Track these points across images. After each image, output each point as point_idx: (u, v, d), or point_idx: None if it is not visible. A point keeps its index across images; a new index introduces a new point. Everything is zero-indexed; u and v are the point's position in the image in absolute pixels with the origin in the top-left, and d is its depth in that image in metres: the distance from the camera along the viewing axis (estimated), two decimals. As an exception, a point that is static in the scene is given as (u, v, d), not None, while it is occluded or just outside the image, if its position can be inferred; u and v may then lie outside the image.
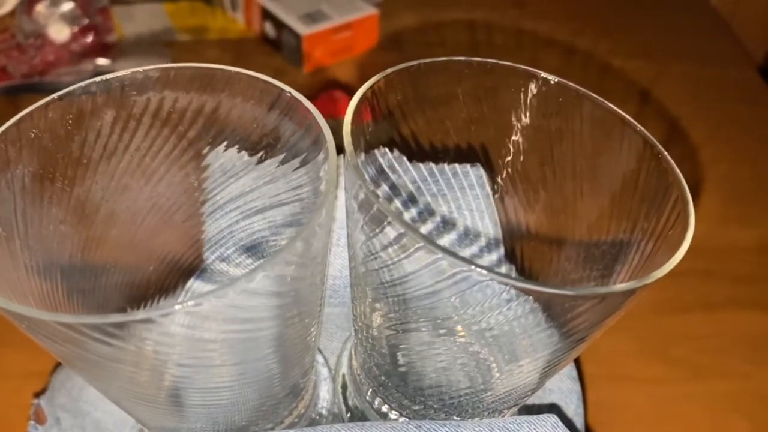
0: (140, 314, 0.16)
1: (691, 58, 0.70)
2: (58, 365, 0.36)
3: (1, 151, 0.21)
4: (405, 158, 0.27)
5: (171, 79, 0.23)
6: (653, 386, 0.43)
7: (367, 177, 0.23)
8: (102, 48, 0.62)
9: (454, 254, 0.19)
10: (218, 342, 0.20)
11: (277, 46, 0.64)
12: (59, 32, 0.61)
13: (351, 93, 0.22)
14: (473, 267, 0.18)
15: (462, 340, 0.26)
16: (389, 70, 0.23)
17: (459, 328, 0.26)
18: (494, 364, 0.26)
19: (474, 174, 0.28)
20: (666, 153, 0.22)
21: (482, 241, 0.29)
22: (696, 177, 0.57)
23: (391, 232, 0.20)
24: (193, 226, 0.27)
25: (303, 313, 0.22)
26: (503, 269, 0.29)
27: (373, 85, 0.22)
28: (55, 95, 0.22)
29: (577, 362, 0.38)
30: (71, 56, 0.61)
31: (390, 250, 0.21)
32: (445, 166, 0.29)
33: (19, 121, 0.21)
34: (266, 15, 0.63)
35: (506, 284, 0.19)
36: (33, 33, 0.61)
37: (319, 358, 0.31)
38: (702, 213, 0.54)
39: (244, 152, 0.25)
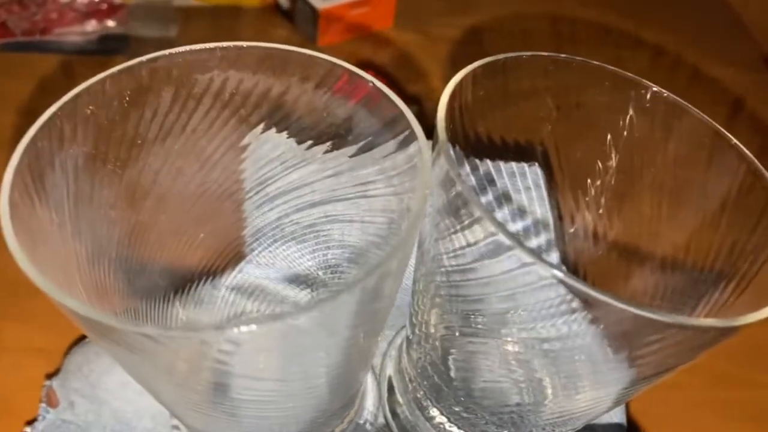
0: (224, 331, 0.15)
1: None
2: (72, 346, 0.35)
3: (56, 128, 0.19)
4: (471, 155, 0.26)
5: (238, 59, 0.21)
6: (671, 392, 0.42)
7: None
8: (109, 9, 0.59)
9: (544, 260, 0.17)
10: (290, 356, 0.18)
11: (291, 18, 0.62)
12: (64, -11, 0.58)
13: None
14: (564, 277, 0.17)
15: (516, 347, 0.25)
16: (476, 65, 0.21)
17: (515, 332, 0.24)
18: (548, 383, 0.25)
19: (532, 174, 0.27)
20: (764, 170, 0.21)
21: (537, 246, 0.28)
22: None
23: (475, 231, 0.19)
24: (243, 214, 0.25)
25: (376, 324, 0.20)
26: (563, 291, 0.28)
27: (461, 80, 0.21)
28: (114, 69, 0.20)
29: None
30: (75, 15, 0.58)
31: (468, 249, 0.20)
32: (511, 164, 0.27)
33: (76, 97, 0.20)
34: (281, -16, 0.61)
35: (583, 295, 0.18)
36: (36, -12, 0.58)
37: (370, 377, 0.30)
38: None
39: (308, 141, 0.23)
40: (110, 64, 0.20)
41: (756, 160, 0.21)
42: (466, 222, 0.19)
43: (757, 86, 0.64)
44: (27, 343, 0.37)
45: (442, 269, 0.22)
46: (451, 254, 0.21)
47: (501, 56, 0.22)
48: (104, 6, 0.59)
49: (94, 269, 0.20)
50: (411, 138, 0.19)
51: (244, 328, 0.15)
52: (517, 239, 0.17)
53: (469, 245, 0.20)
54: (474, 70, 0.21)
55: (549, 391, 0.25)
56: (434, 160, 0.19)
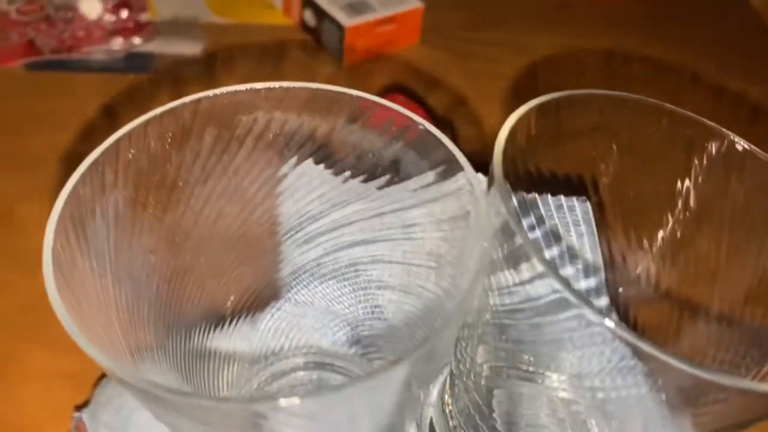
0: (275, 402, 0.14)
1: None
2: (102, 376, 0.34)
3: (98, 174, 0.18)
4: (520, 189, 0.25)
5: (284, 99, 0.21)
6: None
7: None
8: (135, 27, 0.59)
9: (596, 309, 0.17)
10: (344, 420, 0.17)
11: (317, 36, 0.61)
12: (91, 8, 0.58)
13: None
14: (612, 325, 0.16)
15: (565, 395, 0.24)
16: (530, 105, 0.20)
17: (566, 381, 0.24)
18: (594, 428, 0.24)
19: (580, 208, 0.26)
20: None
21: (586, 286, 0.27)
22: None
23: (526, 271, 0.18)
24: (283, 253, 0.24)
25: (426, 382, 0.20)
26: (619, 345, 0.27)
27: (516, 122, 0.20)
28: (157, 111, 0.20)
29: None
30: (102, 33, 0.58)
31: (519, 289, 0.19)
32: (561, 197, 0.26)
33: (117, 142, 0.19)
34: (307, 2, 0.61)
35: (642, 353, 0.17)
36: (64, 6, 0.58)
37: None
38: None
39: (352, 180, 0.22)
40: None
41: None
42: (526, 276, 0.18)
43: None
44: (55, 369, 0.36)
45: (493, 307, 0.21)
46: (504, 291, 0.20)
47: (555, 95, 0.21)
48: (130, 24, 0.58)
49: (134, 315, 0.20)
50: (462, 184, 0.18)
51: (294, 400, 0.14)
52: (583, 297, 0.16)
53: (520, 284, 0.19)
54: (528, 112, 0.20)
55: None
56: (491, 201, 0.18)
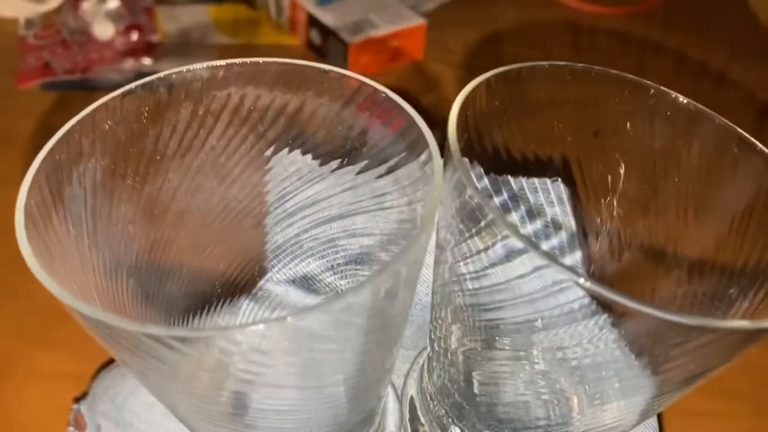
0: (234, 329, 0.14)
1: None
2: (99, 370, 0.35)
3: (74, 142, 0.19)
4: (491, 171, 0.25)
5: (255, 75, 0.22)
6: (710, 420, 0.41)
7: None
8: (146, 47, 0.61)
9: (560, 263, 0.17)
10: (300, 361, 0.18)
11: (322, 54, 0.63)
12: (104, 30, 0.60)
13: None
14: (580, 279, 0.17)
15: (542, 366, 0.24)
16: (489, 74, 0.21)
17: (540, 351, 0.24)
18: (575, 399, 0.24)
19: (563, 190, 0.27)
20: None
21: (571, 261, 0.28)
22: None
23: (489, 236, 0.19)
24: (263, 230, 0.25)
25: (389, 335, 0.20)
26: (587, 301, 0.27)
27: (475, 88, 0.21)
28: (132, 85, 0.21)
29: None
30: (114, 54, 0.60)
31: (483, 255, 0.20)
32: (534, 180, 0.27)
33: (94, 111, 0.20)
34: (312, 22, 0.62)
35: (599, 296, 0.17)
36: (78, 30, 0.60)
37: (392, 394, 0.29)
38: None
39: (325, 156, 0.23)
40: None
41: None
42: (480, 225, 0.18)
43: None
44: (58, 370, 0.37)
45: (459, 278, 0.22)
46: (468, 260, 0.21)
47: (516, 66, 0.22)
48: (141, 45, 0.60)
49: (112, 283, 0.21)
50: (423, 145, 0.19)
51: (252, 328, 0.14)
52: (529, 241, 0.17)
53: (482, 250, 0.20)
54: (488, 79, 0.21)
55: (575, 405, 0.24)
56: (446, 166, 0.19)
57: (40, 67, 0.58)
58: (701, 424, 0.41)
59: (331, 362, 0.19)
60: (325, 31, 0.61)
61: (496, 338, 0.23)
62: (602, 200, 0.25)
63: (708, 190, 0.23)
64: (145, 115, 0.21)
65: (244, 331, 0.14)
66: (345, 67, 0.60)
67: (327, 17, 0.61)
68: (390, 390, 0.29)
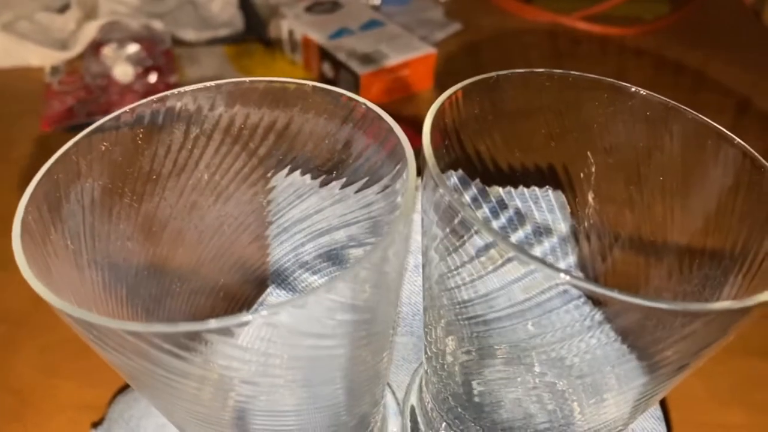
0: (214, 323, 0.15)
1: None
2: (115, 395, 0.36)
3: (72, 163, 0.21)
4: (478, 181, 0.26)
5: (243, 94, 0.23)
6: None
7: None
8: (164, 89, 0.63)
9: (547, 264, 0.17)
10: (289, 359, 0.18)
11: (335, 86, 0.64)
12: (124, 73, 0.62)
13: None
14: (566, 277, 0.17)
15: (539, 370, 0.24)
16: (466, 82, 0.22)
17: (536, 356, 0.24)
18: (575, 399, 0.25)
19: (553, 197, 0.27)
20: None
21: (565, 265, 0.28)
22: None
23: (473, 245, 0.19)
24: (260, 246, 0.26)
25: (375, 335, 0.20)
26: (582, 300, 0.28)
27: (450, 96, 0.21)
28: (126, 108, 0.22)
29: (663, 402, 0.36)
30: (134, 96, 0.62)
31: (470, 265, 0.20)
32: (523, 189, 0.27)
33: (90, 133, 0.21)
34: (324, 55, 0.64)
35: (604, 297, 0.18)
36: (99, 74, 0.63)
37: (387, 391, 0.30)
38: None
39: (314, 170, 0.24)
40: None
41: (760, 157, 0.21)
42: (462, 236, 0.19)
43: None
44: (79, 399, 0.38)
45: (448, 291, 0.22)
46: (455, 273, 0.21)
47: (493, 74, 0.22)
48: (160, 86, 0.63)
49: (111, 299, 0.21)
50: (401, 150, 0.20)
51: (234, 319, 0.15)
52: (535, 256, 0.17)
53: (467, 261, 0.20)
54: (465, 87, 0.22)
55: (576, 405, 0.24)
56: (425, 177, 0.20)
57: (64, 111, 0.60)
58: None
59: (319, 360, 0.19)
60: (337, 64, 0.63)
61: (491, 347, 0.24)
62: (590, 202, 0.26)
63: (690, 186, 0.23)
64: (140, 136, 0.22)
65: (227, 327, 0.15)
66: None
67: (338, 50, 0.63)
68: (392, 401, 0.29)
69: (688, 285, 0.23)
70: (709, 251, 0.22)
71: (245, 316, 0.15)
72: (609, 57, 0.71)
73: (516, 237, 0.27)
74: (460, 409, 0.26)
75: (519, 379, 0.25)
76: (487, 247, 0.19)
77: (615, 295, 0.17)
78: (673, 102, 0.22)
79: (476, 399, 0.25)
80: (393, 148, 0.20)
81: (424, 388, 0.28)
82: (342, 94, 0.22)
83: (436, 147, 0.21)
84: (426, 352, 0.26)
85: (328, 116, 0.22)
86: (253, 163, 0.24)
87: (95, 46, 0.64)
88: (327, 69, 0.64)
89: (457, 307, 0.22)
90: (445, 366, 0.25)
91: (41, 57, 0.65)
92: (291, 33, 0.67)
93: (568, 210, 0.27)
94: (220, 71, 0.66)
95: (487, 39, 0.73)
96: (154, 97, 0.22)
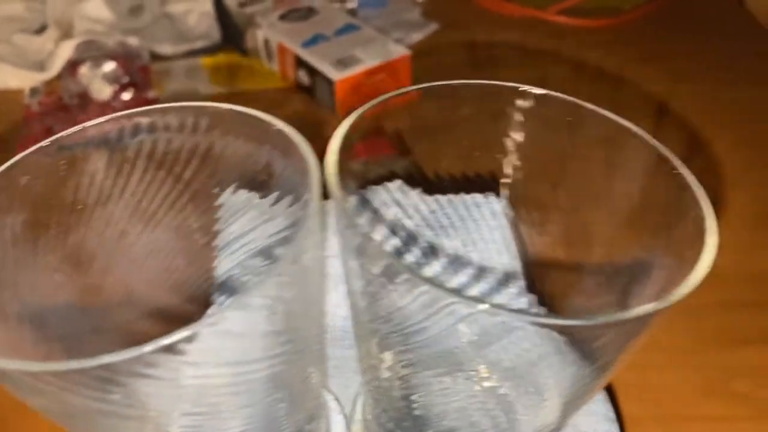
0: (130, 352, 0.15)
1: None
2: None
3: (-9, 201, 0.21)
4: (413, 191, 0.26)
5: (163, 120, 0.23)
6: (711, 426, 0.40)
7: (363, 219, 0.22)
8: (144, 104, 0.63)
9: (464, 295, 0.17)
10: (212, 380, 0.19)
11: (312, 93, 0.64)
12: (101, 91, 0.62)
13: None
14: (485, 306, 0.17)
15: (477, 376, 0.24)
16: (366, 106, 0.22)
17: (475, 365, 0.24)
18: (517, 401, 0.24)
19: (488, 205, 0.27)
20: (684, 167, 0.20)
21: (500, 274, 0.28)
22: (736, 198, 0.54)
23: (393, 278, 0.19)
24: (198, 269, 0.26)
25: (299, 351, 0.21)
26: (524, 300, 0.28)
27: (363, 112, 0.21)
28: (46, 141, 0.22)
29: (614, 402, 0.35)
30: (112, 113, 0.62)
31: (394, 295, 0.20)
32: (463, 196, 0.27)
33: (9, 168, 0.21)
34: (300, 63, 0.64)
35: (516, 319, 0.18)
36: (77, 93, 0.63)
37: (334, 405, 0.30)
38: (755, 239, 0.51)
39: (241, 191, 0.24)
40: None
41: (674, 157, 0.21)
42: (382, 270, 0.19)
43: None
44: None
45: (374, 318, 0.22)
46: (373, 304, 0.21)
47: (412, 87, 0.22)
48: (138, 102, 0.63)
49: (40, 332, 0.22)
50: (306, 167, 0.20)
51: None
52: (451, 289, 0.17)
53: (387, 294, 0.20)
54: (364, 113, 0.22)
55: (518, 407, 0.24)
56: (336, 205, 0.20)
57: (43, 132, 0.61)
58: (705, 428, 0.40)
59: (242, 383, 0.19)
60: (312, 71, 0.63)
61: (426, 364, 0.23)
62: (523, 210, 0.26)
63: (610, 188, 0.23)
64: (62, 167, 0.22)
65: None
66: (333, 104, 0.61)
67: (312, 57, 0.63)
68: (339, 417, 0.29)
69: (614, 286, 0.23)
70: (631, 253, 0.22)
71: (158, 341, 0.15)
72: (586, 50, 0.70)
73: (454, 248, 0.27)
74: (401, 421, 0.26)
75: (461, 388, 0.25)
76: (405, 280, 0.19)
77: (529, 318, 0.17)
78: (589, 104, 0.22)
79: (416, 412, 0.25)
80: (302, 166, 0.20)
81: (366, 403, 0.28)
82: (255, 116, 0.22)
83: (357, 163, 0.21)
84: (362, 366, 0.26)
85: (246, 138, 0.22)
86: (180, 188, 0.24)
87: (72, 66, 0.65)
88: (303, 76, 0.65)
89: (385, 335, 0.22)
90: (383, 379, 0.24)
91: (20, 79, 0.66)
92: (266, 42, 0.67)
93: (510, 215, 0.27)
94: (197, 83, 0.66)
95: (464, 38, 0.73)
96: (75, 128, 0.22)
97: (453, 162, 0.25)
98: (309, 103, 0.64)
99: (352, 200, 0.22)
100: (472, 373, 0.24)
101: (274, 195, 0.23)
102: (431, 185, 0.25)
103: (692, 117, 0.62)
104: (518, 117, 0.24)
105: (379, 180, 0.25)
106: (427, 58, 0.69)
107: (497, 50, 0.71)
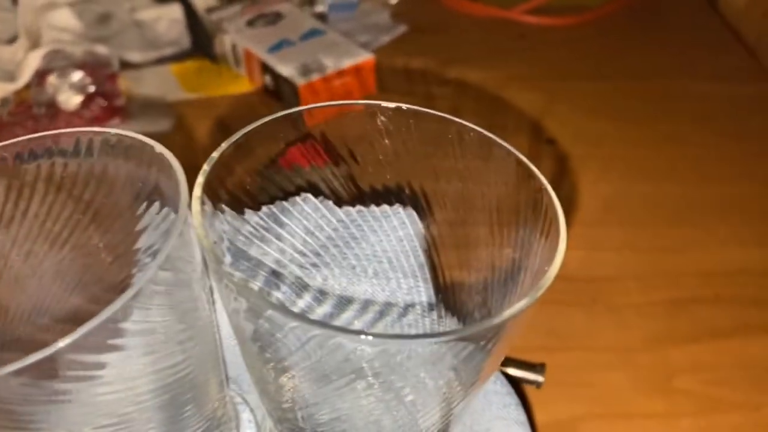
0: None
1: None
2: None
3: None
4: (323, 204, 0.27)
5: (58, 145, 0.24)
6: (653, 422, 0.40)
7: (227, 262, 0.23)
8: (111, 112, 0.64)
9: (349, 330, 0.18)
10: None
11: (278, 98, 0.65)
12: (69, 100, 0.63)
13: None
14: (366, 337, 0.18)
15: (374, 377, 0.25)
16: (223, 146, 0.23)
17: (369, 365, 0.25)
18: (409, 410, 0.25)
19: (397, 216, 0.28)
20: (538, 172, 0.21)
21: (410, 282, 0.29)
22: (704, 199, 0.54)
23: (277, 330, 0.20)
24: (107, 285, 0.27)
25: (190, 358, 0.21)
26: (432, 302, 0.28)
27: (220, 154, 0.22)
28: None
29: (527, 406, 0.36)
30: (81, 122, 0.63)
31: (282, 343, 0.21)
32: (373, 208, 0.28)
33: None
34: (265, 68, 0.65)
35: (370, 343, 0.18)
36: (46, 103, 0.64)
37: (247, 416, 0.30)
38: (709, 236, 0.51)
39: (140, 210, 0.25)
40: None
41: (529, 163, 0.21)
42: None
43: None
44: None
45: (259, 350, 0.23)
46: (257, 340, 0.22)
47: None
48: (107, 111, 0.64)
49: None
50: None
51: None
52: (296, 314, 0.18)
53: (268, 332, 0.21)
54: (223, 152, 0.22)
55: (420, 417, 0.25)
56: (210, 258, 0.20)
57: (13, 143, 0.62)
58: (642, 427, 0.40)
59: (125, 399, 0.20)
60: (277, 76, 0.63)
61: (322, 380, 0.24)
62: (426, 221, 0.27)
63: (483, 196, 0.24)
64: (-39, 194, 0.23)
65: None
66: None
67: (277, 62, 0.64)
68: (252, 423, 0.30)
69: (494, 288, 0.23)
70: (505, 256, 0.23)
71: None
72: (552, 49, 0.71)
73: (363, 258, 0.28)
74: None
75: (359, 386, 0.25)
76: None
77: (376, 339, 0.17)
78: (457, 118, 0.23)
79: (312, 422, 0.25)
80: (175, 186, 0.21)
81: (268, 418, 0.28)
82: (140, 140, 0.23)
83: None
84: (253, 379, 0.26)
85: (134, 160, 0.23)
86: (81, 208, 0.25)
87: (40, 75, 0.66)
88: (269, 82, 0.65)
89: (272, 360, 0.23)
90: (279, 404, 0.25)
91: (-9, 90, 0.67)
92: (234, 47, 0.68)
93: (417, 225, 0.28)
94: (166, 90, 0.67)
95: (432, 39, 0.74)
96: (-30, 156, 0.23)
97: (367, 176, 0.26)
98: (276, 107, 0.65)
99: (224, 246, 0.22)
100: (367, 375, 0.25)
101: (164, 211, 0.24)
102: (345, 198, 0.26)
103: (658, 112, 0.63)
104: (406, 135, 0.24)
105: (296, 191, 0.25)
106: (394, 60, 0.70)
107: (464, 51, 0.72)
